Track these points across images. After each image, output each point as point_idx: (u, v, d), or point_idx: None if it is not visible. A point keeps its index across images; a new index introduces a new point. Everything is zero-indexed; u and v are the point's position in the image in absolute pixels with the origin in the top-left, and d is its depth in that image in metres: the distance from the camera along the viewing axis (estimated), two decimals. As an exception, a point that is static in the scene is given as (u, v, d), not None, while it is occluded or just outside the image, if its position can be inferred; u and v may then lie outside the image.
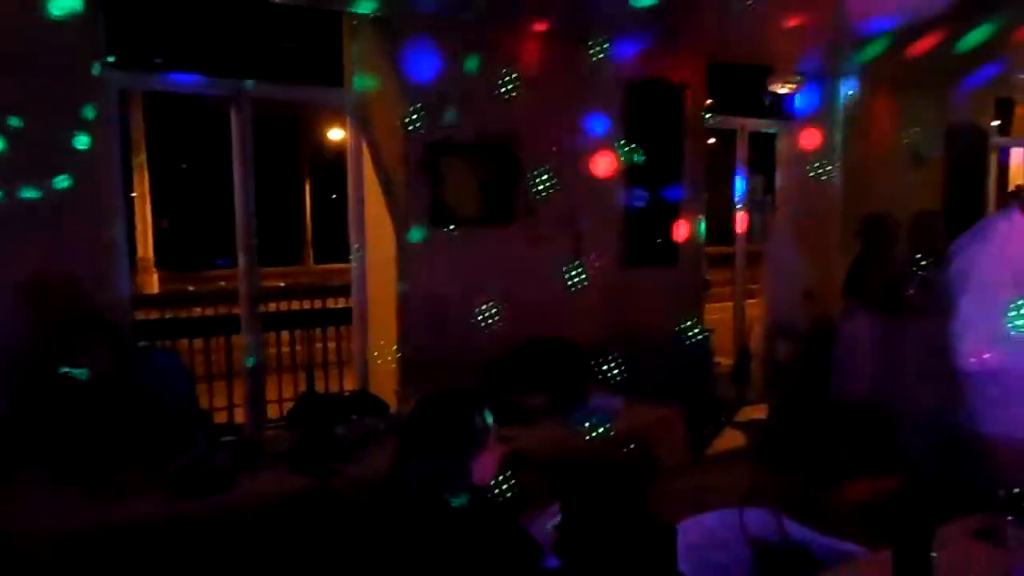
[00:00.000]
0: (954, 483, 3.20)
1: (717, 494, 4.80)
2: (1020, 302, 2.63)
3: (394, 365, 4.78)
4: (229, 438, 3.38)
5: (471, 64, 4.83)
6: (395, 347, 4.80)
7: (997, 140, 9.00)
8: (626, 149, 5.56)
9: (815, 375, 5.74)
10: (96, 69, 3.90)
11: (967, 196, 8.09)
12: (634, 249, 5.74)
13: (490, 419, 2.16)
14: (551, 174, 5.13)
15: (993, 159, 8.89)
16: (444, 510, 2.04)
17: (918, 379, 4.77)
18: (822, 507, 4.01)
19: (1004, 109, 8.97)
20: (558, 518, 2.10)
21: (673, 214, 5.97)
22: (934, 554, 1.80)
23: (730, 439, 5.95)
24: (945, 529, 2.23)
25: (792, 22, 4.55)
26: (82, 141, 3.80)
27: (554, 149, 5.20)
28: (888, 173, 6.98)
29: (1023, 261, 2.67)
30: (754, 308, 7.07)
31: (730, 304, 7.28)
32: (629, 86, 5.57)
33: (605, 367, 4.67)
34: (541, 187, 5.11)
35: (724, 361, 7.03)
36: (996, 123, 8.92)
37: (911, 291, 4.72)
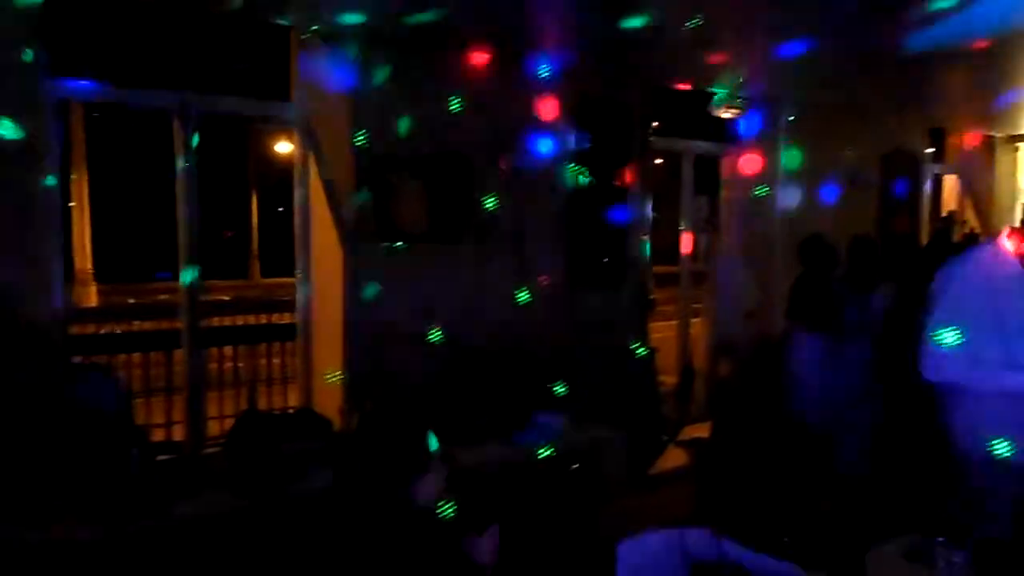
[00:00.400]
0: (892, 506, 3.30)
1: (660, 513, 4.85)
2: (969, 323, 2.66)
3: (339, 383, 4.71)
4: (166, 456, 3.30)
5: (418, 81, 4.83)
6: (340, 364, 4.74)
7: (930, 167, 9.30)
8: (574, 169, 5.60)
9: (756, 393, 5.82)
10: (34, 79, 3.79)
11: (901, 218, 8.35)
12: (581, 269, 5.76)
13: (434, 440, 2.14)
14: (500, 193, 5.15)
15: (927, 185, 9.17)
16: (384, 531, 2.01)
17: (855, 400, 4.89)
18: (763, 526, 4.04)
19: (936, 137, 9.27)
20: (496, 539, 2.09)
21: (620, 234, 6.02)
22: None
23: (674, 457, 5.98)
24: (877, 551, 2.27)
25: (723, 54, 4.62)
26: (16, 151, 3.69)
27: (503, 167, 5.21)
28: (827, 196, 7.13)
29: (1002, 286, 2.70)
30: (698, 327, 7.14)
31: (675, 323, 7.33)
32: (577, 106, 5.62)
33: (551, 386, 4.67)
34: (490, 206, 5.12)
35: (668, 379, 7.08)
36: (930, 151, 9.22)
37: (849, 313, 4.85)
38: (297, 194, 4.93)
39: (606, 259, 5.97)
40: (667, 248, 8.06)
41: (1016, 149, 10.48)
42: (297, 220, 4.95)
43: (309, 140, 4.83)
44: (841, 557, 1.76)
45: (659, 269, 9.17)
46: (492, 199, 5.11)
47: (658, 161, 8.87)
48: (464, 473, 3.28)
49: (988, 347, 2.66)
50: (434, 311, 4.73)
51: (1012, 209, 10.36)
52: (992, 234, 9.80)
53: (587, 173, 5.69)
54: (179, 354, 4.86)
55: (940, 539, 1.94)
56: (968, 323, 2.66)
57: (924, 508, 4.14)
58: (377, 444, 2.10)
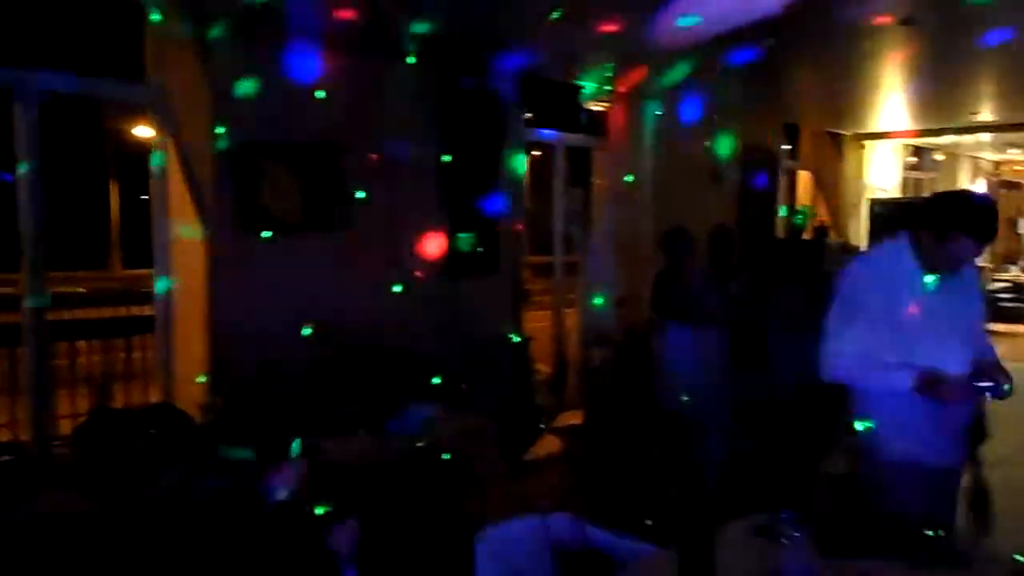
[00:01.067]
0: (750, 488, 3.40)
1: (534, 499, 4.90)
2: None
3: (202, 377, 4.50)
4: (6, 457, 3.06)
5: (285, 66, 4.66)
6: (203, 358, 4.53)
7: (786, 163, 9.78)
8: (446, 159, 5.55)
9: (627, 381, 5.96)
10: None
11: (759, 210, 8.75)
12: (455, 259, 5.74)
13: (296, 442, 2.06)
14: (373, 182, 5.05)
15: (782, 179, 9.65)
16: (238, 525, 1.92)
17: (715, 388, 5.08)
18: (630, 510, 4.16)
19: (792, 134, 9.76)
20: (355, 530, 2.03)
21: (494, 224, 6.02)
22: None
23: (547, 445, 6.04)
24: (729, 528, 2.35)
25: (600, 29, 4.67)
26: None
27: (374, 157, 5.11)
28: (691, 190, 7.38)
29: (898, 284, 2.62)
30: (572, 317, 7.24)
31: (549, 313, 7.41)
32: (447, 97, 5.58)
33: (425, 376, 4.62)
34: (362, 195, 5.01)
35: (543, 368, 7.15)
36: (787, 147, 9.70)
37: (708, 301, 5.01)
38: (154, 181, 4.67)
39: (480, 248, 5.97)
40: (542, 239, 8.13)
41: (862, 147, 11.18)
42: (154, 208, 4.70)
43: (166, 124, 4.58)
44: (691, 536, 1.80)
45: (534, 259, 9.26)
46: (364, 188, 5.00)
47: (536, 153, 8.97)
48: (330, 465, 3.19)
49: (885, 346, 2.61)
50: (305, 302, 4.59)
51: (858, 205, 11.07)
52: (841, 228, 10.43)
53: (460, 163, 5.66)
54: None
55: (785, 515, 2.02)
56: (864, 322, 2.62)
57: (780, 489, 4.36)
58: (231, 439, 2.00)
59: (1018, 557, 2.10)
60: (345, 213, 4.99)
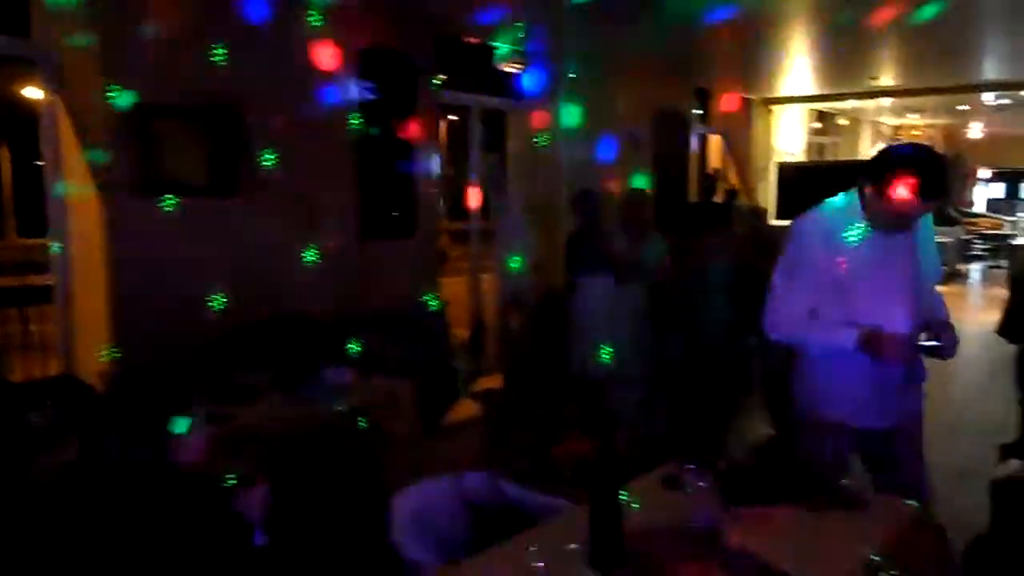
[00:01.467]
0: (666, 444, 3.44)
1: (452, 462, 4.93)
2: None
3: (104, 347, 4.33)
4: None
5: (185, 23, 4.46)
6: (104, 328, 4.35)
7: (697, 127, 9.96)
8: (359, 120, 5.44)
9: (543, 344, 6.01)
10: None
11: (672, 175, 8.90)
12: (370, 222, 5.65)
13: (200, 410, 2.00)
14: (281, 143, 4.90)
15: (694, 143, 9.82)
16: (142, 494, 1.86)
17: (630, 342, 5.17)
18: (546, 467, 4.22)
19: (702, 98, 9.93)
20: (265, 495, 2.00)
21: (409, 187, 5.95)
22: (634, 505, 1.93)
23: (466, 409, 6.06)
24: (639, 480, 2.41)
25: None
26: None
27: (284, 117, 4.96)
28: (605, 153, 7.43)
29: (841, 242, 2.48)
30: (489, 282, 7.24)
31: (467, 278, 7.41)
32: (360, 56, 5.45)
33: (338, 341, 4.55)
34: (269, 157, 4.85)
35: (461, 333, 7.15)
36: (698, 112, 9.86)
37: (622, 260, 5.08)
38: (46, 144, 4.43)
39: (396, 212, 5.90)
40: (459, 204, 8.09)
41: (770, 112, 11.47)
42: (48, 173, 4.46)
43: (56, 83, 4.34)
44: (601, 489, 1.83)
45: (452, 225, 9.24)
46: (271, 151, 4.85)
47: (452, 117, 8.89)
48: (241, 431, 3.13)
49: (828, 305, 2.52)
50: (212, 268, 4.44)
51: (767, 168, 11.37)
52: (750, 191, 10.66)
53: (373, 124, 5.55)
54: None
55: (690, 466, 2.07)
56: (808, 281, 2.52)
57: (691, 443, 4.49)
58: (124, 409, 1.93)
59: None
60: (251, 176, 4.84)
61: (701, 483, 1.99)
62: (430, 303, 6.00)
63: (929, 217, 2.58)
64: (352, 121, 5.44)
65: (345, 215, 5.48)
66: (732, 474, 2.19)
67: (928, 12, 5.77)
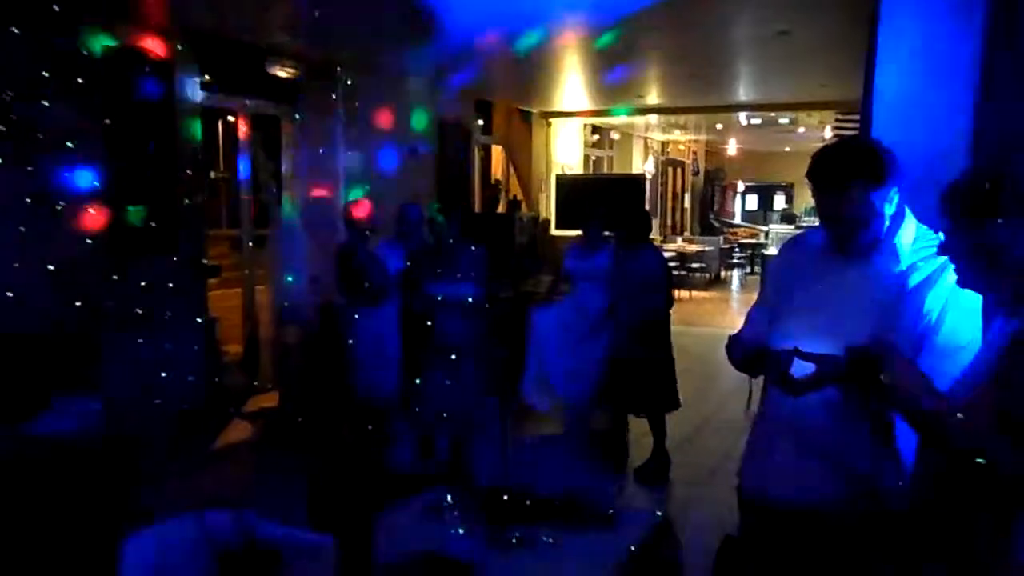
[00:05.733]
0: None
1: (220, 491, 4.62)
2: None
3: None
4: None
5: None
6: None
7: (480, 138, 10.08)
8: (104, 124, 4.94)
9: (321, 361, 5.79)
10: None
11: (456, 183, 8.94)
12: (123, 235, 5.14)
13: None
14: (13, 148, 4.34)
15: (477, 154, 9.94)
16: None
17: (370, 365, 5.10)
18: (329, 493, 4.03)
19: (484, 110, 10.07)
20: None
21: (171, 194, 5.49)
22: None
23: (238, 431, 5.71)
24: (400, 509, 2.31)
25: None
26: None
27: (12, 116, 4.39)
28: (386, 163, 7.32)
29: (800, 264, 2.28)
30: (264, 294, 6.91)
31: (240, 290, 7.01)
32: (103, 60, 4.95)
33: (81, 366, 4.10)
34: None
35: (233, 349, 6.77)
36: (480, 122, 9.98)
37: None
38: None
39: (155, 222, 5.42)
40: (231, 211, 7.68)
41: (549, 124, 11.87)
42: None
43: None
44: (350, 521, 1.71)
45: (224, 233, 8.75)
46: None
47: (231, 119, 8.40)
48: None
49: (770, 333, 2.24)
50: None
51: (547, 180, 11.75)
52: (532, 202, 10.89)
53: (126, 128, 5.07)
54: None
55: (450, 493, 2.01)
56: (766, 307, 2.36)
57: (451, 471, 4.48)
58: None
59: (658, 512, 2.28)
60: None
61: (460, 510, 1.92)
62: (196, 319, 5.61)
63: (933, 270, 2.07)
64: (103, 123, 4.94)
65: (95, 224, 4.95)
66: (493, 499, 2.14)
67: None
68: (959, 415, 1.61)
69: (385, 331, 5.02)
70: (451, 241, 4.74)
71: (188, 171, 5.60)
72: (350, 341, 5.17)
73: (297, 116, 6.92)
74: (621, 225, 5.46)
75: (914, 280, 2.07)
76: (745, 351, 2.21)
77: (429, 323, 4.56)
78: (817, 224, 2.21)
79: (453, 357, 4.42)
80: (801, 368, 1.99)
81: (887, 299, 2.08)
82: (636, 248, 5.36)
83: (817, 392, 1.99)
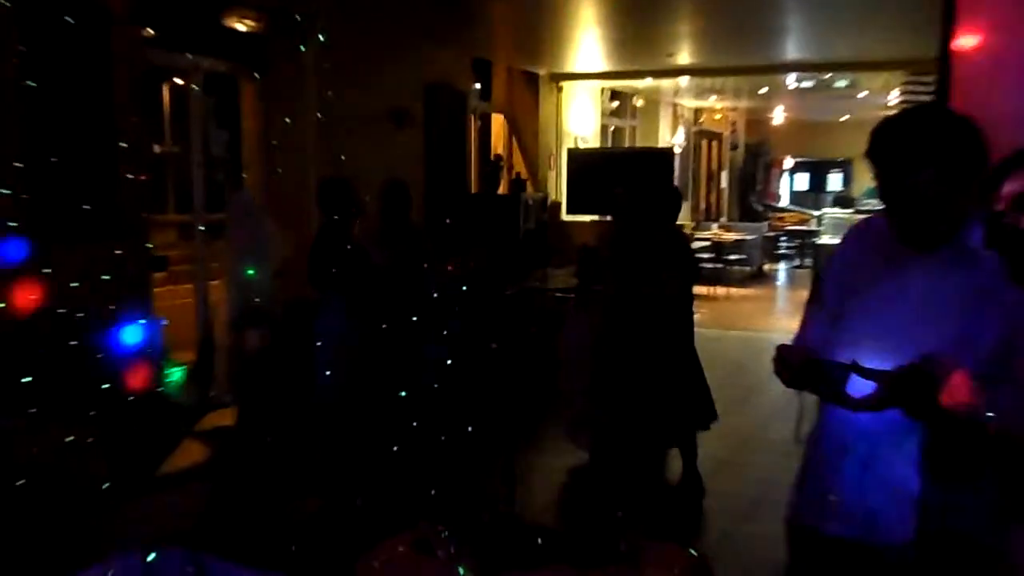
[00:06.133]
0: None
1: (170, 523, 4.65)
2: None
3: None
4: None
5: None
6: None
7: (478, 105, 10.09)
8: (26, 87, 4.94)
9: (287, 370, 5.81)
10: None
11: (449, 159, 8.95)
12: (46, 219, 5.15)
13: None
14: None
15: (473, 124, 9.94)
16: None
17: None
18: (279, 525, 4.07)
19: (482, 71, 10.07)
20: None
21: (109, 172, 5.50)
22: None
23: (190, 453, 5.74)
24: (389, 543, 2.33)
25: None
26: None
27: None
28: (366, 134, 7.33)
29: (862, 259, 2.25)
30: (218, 291, 6.93)
31: (191, 287, 7.06)
32: (20, 4, 4.96)
33: None
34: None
35: (184, 357, 6.78)
36: (477, 86, 9.99)
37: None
38: None
39: (89, 205, 5.43)
40: (183, 192, 7.70)
41: (560, 88, 11.86)
42: None
43: None
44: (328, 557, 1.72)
45: (172, 218, 8.76)
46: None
47: (177, 81, 8.43)
48: None
49: (829, 344, 2.22)
50: None
51: (557, 153, 11.76)
52: (540, 180, 10.92)
53: (51, 92, 5.08)
54: None
55: (443, 528, 2.02)
56: (830, 308, 2.31)
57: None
58: None
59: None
60: None
61: (452, 546, 1.94)
62: (139, 321, 5.62)
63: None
64: (21, 84, 4.94)
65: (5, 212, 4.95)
66: (493, 533, 2.15)
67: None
68: None
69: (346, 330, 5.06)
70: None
71: (126, 143, 5.60)
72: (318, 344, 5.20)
73: (259, 77, 6.92)
74: (644, 207, 5.46)
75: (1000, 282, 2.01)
76: (796, 362, 2.18)
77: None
78: (882, 209, 2.18)
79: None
80: (860, 386, 1.99)
81: (967, 304, 2.03)
82: (658, 234, 5.37)
83: (880, 413, 1.98)
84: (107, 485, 4.40)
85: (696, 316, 5.72)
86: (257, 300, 6.37)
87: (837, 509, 2.15)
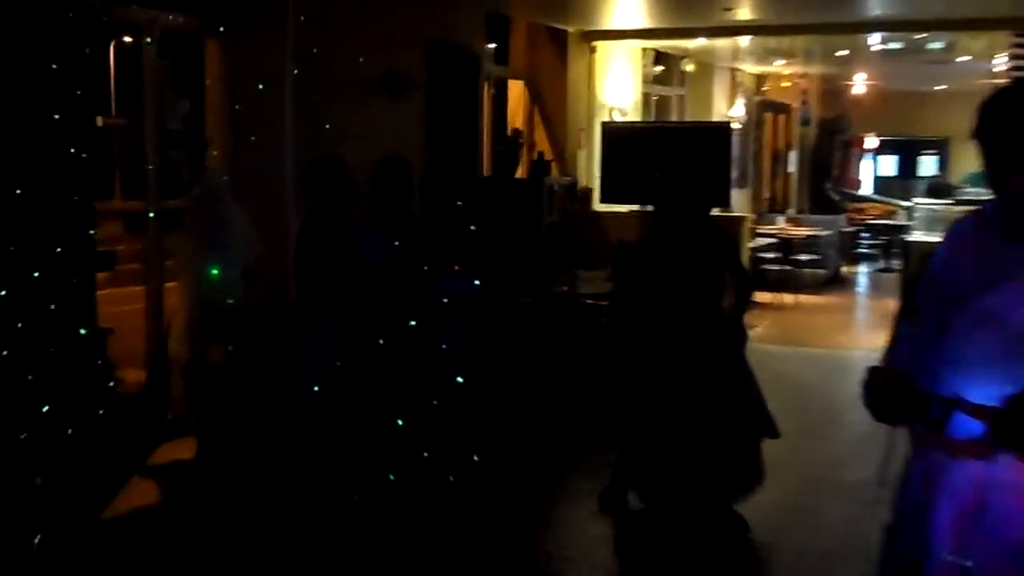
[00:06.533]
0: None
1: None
2: None
3: None
4: None
5: None
6: None
7: (492, 69, 10.07)
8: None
9: (258, 391, 5.84)
10: None
11: (456, 135, 8.93)
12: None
13: None
14: None
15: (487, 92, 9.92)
16: None
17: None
18: None
19: (498, 28, 10.04)
20: None
21: (42, 149, 5.51)
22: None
23: (141, 492, 5.83)
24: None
25: None
26: None
27: None
28: (357, 105, 7.33)
29: (967, 261, 2.24)
30: (176, 294, 6.97)
31: (142, 289, 7.12)
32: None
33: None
34: None
35: (132, 376, 6.81)
36: (491, 47, 9.97)
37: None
38: None
39: (14, 190, 5.46)
40: (135, 174, 7.73)
41: (593, 49, 11.82)
42: None
43: None
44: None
45: (119, 205, 8.78)
46: None
47: (127, 39, 8.47)
48: None
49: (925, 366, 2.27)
50: None
51: (588, 129, 11.72)
52: (568, 162, 10.95)
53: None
54: None
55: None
56: (931, 322, 2.29)
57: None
58: None
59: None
60: None
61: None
62: (78, 331, 5.65)
63: None
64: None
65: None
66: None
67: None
68: None
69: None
70: None
71: (63, 115, 5.61)
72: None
73: (225, 33, 6.93)
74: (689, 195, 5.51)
75: None
76: (887, 390, 2.20)
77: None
78: (990, 200, 2.22)
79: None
80: (965, 425, 2.01)
81: None
82: (691, 230, 5.41)
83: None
84: (38, 537, 4.47)
85: (754, 330, 5.68)
86: (222, 305, 6.40)
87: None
